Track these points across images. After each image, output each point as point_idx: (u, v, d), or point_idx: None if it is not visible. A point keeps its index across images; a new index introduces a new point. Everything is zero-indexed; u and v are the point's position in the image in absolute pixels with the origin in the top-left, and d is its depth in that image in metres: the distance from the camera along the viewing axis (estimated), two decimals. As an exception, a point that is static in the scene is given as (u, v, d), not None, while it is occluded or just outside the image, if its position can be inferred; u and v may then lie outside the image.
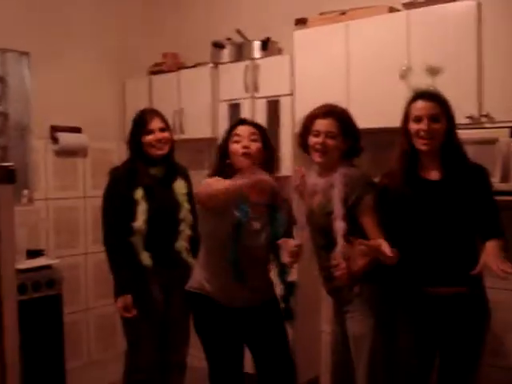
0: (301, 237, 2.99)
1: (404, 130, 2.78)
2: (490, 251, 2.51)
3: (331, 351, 3.13)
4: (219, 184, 2.73)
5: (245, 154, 2.83)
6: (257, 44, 4.52)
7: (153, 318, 3.34)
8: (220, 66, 4.67)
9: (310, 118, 2.93)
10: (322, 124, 2.87)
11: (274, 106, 4.32)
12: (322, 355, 3.93)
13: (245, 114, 4.32)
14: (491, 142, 3.21)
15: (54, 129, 4.76)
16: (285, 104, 4.26)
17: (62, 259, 4.54)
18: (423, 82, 2.80)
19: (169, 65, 5.06)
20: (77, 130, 4.92)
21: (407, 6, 3.69)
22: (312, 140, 2.89)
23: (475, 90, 3.33)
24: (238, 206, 2.80)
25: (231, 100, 4.56)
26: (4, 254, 2.14)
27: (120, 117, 5.21)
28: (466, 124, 3.25)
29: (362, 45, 3.78)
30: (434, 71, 2.82)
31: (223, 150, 2.94)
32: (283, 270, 3.00)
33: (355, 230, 2.70)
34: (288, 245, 2.76)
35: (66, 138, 4.80)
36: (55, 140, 4.76)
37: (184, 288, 3.03)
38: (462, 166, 2.72)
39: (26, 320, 3.71)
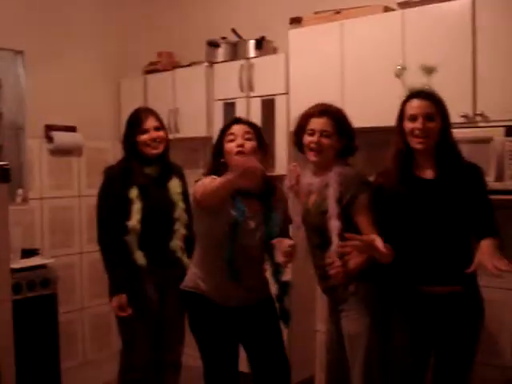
0: (296, 236, 3.00)
1: (399, 128, 2.78)
2: (485, 250, 2.52)
3: (326, 350, 3.13)
4: (213, 182, 2.73)
5: (239, 153, 2.82)
6: (252, 43, 4.52)
7: (148, 317, 3.34)
8: (215, 65, 4.66)
9: (305, 117, 2.93)
10: (316, 123, 2.87)
11: (268, 105, 4.32)
12: (317, 354, 3.94)
13: (240, 113, 4.32)
14: (486, 141, 3.22)
15: (49, 128, 4.76)
16: (280, 103, 4.26)
17: (56, 258, 4.54)
18: (418, 81, 2.80)
19: (164, 64, 5.06)
20: (72, 129, 4.91)
21: (402, 5, 3.69)
22: (307, 139, 2.89)
23: (470, 89, 3.33)
24: (235, 205, 2.80)
25: (226, 99, 4.55)
26: (-2, 254, 2.14)
27: (115, 116, 5.21)
28: (461, 123, 3.26)
29: (356, 44, 3.78)
30: (429, 70, 2.82)
31: (218, 149, 2.94)
32: (277, 270, 3.01)
33: (350, 229, 2.70)
34: (282, 245, 2.76)
35: (60, 137, 4.79)
36: (50, 139, 4.76)
37: (179, 287, 3.03)
38: (457, 165, 2.72)
39: (20, 319, 3.71)
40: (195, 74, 4.74)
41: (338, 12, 3.99)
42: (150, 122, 3.38)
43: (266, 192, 2.94)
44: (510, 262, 2.42)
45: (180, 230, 3.38)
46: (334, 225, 2.75)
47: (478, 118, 3.31)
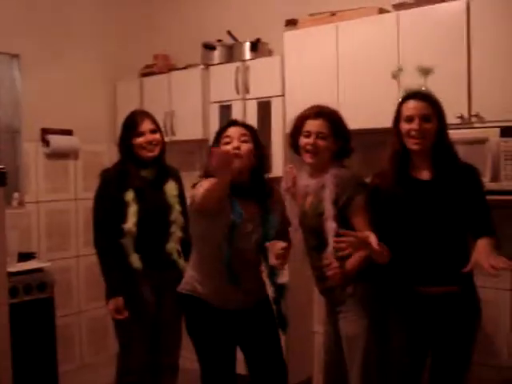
0: (294, 238, 3.00)
1: (395, 130, 2.78)
2: (482, 249, 2.52)
3: (324, 351, 3.13)
4: (207, 182, 2.72)
5: (235, 156, 2.82)
6: (247, 45, 4.52)
7: (144, 320, 3.34)
8: (211, 68, 4.67)
9: (301, 119, 2.93)
10: (312, 125, 2.87)
11: (264, 107, 4.33)
12: (315, 356, 3.93)
13: (236, 115, 4.32)
14: (481, 141, 3.23)
15: (45, 131, 4.76)
16: (276, 105, 4.27)
17: (53, 262, 4.53)
18: (414, 82, 2.81)
19: (159, 67, 5.06)
20: (68, 132, 4.91)
21: (397, 7, 3.71)
22: (303, 141, 2.89)
23: (465, 90, 3.34)
24: (232, 208, 2.80)
25: (222, 101, 4.56)
26: (-5, 257, 2.14)
27: (111, 119, 5.21)
28: (457, 124, 3.27)
29: (352, 46, 3.79)
30: (425, 71, 2.83)
31: (214, 152, 2.93)
32: (273, 272, 3.01)
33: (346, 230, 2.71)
34: (274, 247, 2.77)
35: (57, 141, 4.79)
36: (46, 143, 4.76)
37: (175, 290, 3.02)
38: (453, 166, 2.72)
39: (17, 323, 3.70)
40: (191, 77, 4.75)
41: (333, 14, 4.01)
42: (146, 125, 3.37)
43: (262, 194, 2.94)
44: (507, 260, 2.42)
45: (176, 232, 3.38)
46: (331, 226, 2.75)
47: (474, 119, 3.33)
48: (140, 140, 3.34)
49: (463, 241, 2.72)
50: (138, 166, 3.37)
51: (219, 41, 4.70)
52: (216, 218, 2.79)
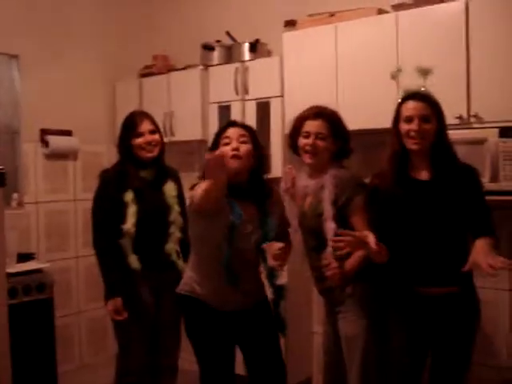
0: (294, 239, 3.00)
1: (395, 130, 2.78)
2: (480, 249, 2.52)
3: (323, 352, 3.13)
4: (205, 183, 2.71)
5: (234, 157, 2.82)
6: (246, 46, 4.53)
7: (143, 320, 3.34)
8: (210, 68, 4.67)
9: (300, 120, 2.93)
10: (312, 125, 2.88)
11: (263, 108, 4.33)
12: (314, 356, 3.94)
13: (235, 115, 4.33)
14: (480, 142, 3.23)
15: (44, 132, 4.76)
16: (275, 106, 4.27)
17: (52, 263, 4.54)
18: (413, 82, 2.81)
19: (159, 67, 5.06)
20: (67, 133, 4.91)
21: (396, 7, 3.71)
22: (302, 141, 2.89)
23: (464, 91, 3.34)
24: (232, 209, 2.80)
25: (221, 102, 4.56)
26: (-6, 258, 2.14)
27: (110, 120, 5.21)
28: (455, 124, 3.27)
29: (351, 46, 3.79)
30: (424, 72, 2.83)
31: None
32: (272, 274, 3.01)
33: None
34: (271, 248, 2.77)
35: (56, 141, 4.79)
36: (45, 143, 4.76)
37: (174, 291, 3.02)
38: (452, 167, 2.72)
39: (16, 324, 3.70)
40: (190, 78, 4.75)
41: (332, 15, 4.01)
42: (145, 126, 3.38)
43: (261, 195, 2.94)
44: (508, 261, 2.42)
45: (175, 233, 3.38)
46: (330, 227, 2.75)
47: (473, 120, 3.33)
48: (139, 141, 3.34)
49: (463, 241, 2.72)
50: (137, 167, 3.37)
51: (218, 41, 4.70)
52: (215, 218, 2.79)
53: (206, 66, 4.69)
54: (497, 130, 3.21)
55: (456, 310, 2.72)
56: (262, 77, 4.34)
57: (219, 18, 4.96)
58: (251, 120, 4.22)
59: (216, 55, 4.67)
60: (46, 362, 4.23)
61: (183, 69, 4.92)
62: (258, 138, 2.99)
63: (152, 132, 3.38)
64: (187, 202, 3.06)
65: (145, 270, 3.30)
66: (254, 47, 4.50)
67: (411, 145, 2.72)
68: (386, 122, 2.85)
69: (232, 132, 2.88)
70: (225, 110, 4.52)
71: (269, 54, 4.59)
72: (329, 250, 2.72)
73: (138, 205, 3.28)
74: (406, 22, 3.56)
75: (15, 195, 4.57)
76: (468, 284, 2.75)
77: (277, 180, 3.19)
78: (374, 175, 2.92)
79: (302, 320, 4.05)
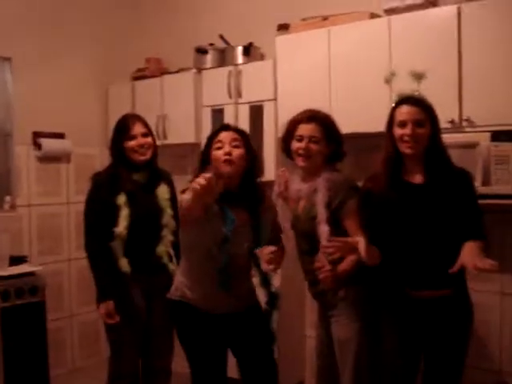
0: (287, 246, 3.00)
1: (389, 134, 2.79)
2: (468, 251, 2.53)
3: (316, 355, 3.13)
4: (186, 195, 2.70)
5: (227, 161, 2.80)
6: (240, 49, 4.53)
7: (135, 324, 3.33)
8: (203, 72, 4.67)
9: (294, 123, 2.94)
10: (305, 129, 2.88)
11: (257, 112, 4.33)
12: (307, 360, 3.94)
13: (228, 119, 4.33)
14: (472, 146, 3.24)
15: (37, 135, 4.74)
16: (268, 109, 4.27)
17: (45, 266, 4.53)
18: (406, 87, 2.82)
19: (152, 70, 5.06)
20: (60, 135, 4.90)
21: (388, 12, 3.72)
22: (295, 145, 2.90)
23: (456, 95, 3.35)
24: (224, 215, 2.79)
25: (214, 105, 4.56)
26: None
27: (103, 122, 5.21)
28: (448, 128, 3.28)
29: (344, 50, 3.80)
30: (418, 76, 2.84)
31: (205, 156, 2.90)
32: (265, 279, 3.01)
33: (339, 234, 2.71)
34: (263, 252, 2.76)
35: (49, 144, 4.78)
36: (38, 146, 4.74)
37: (165, 294, 3.01)
38: (446, 170, 2.73)
39: (9, 327, 3.70)
40: (183, 81, 4.75)
41: (325, 18, 4.01)
42: (138, 128, 3.37)
43: (253, 199, 2.93)
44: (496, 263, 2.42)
45: (167, 236, 3.37)
46: (323, 230, 2.76)
47: (465, 124, 3.34)
48: (132, 143, 3.34)
49: (455, 245, 2.71)
50: (130, 170, 3.37)
51: (211, 45, 4.70)
52: (206, 225, 2.77)
53: (199, 70, 4.69)
54: (489, 134, 3.22)
55: (449, 314, 2.73)
56: (255, 80, 4.35)
57: (212, 22, 4.96)
58: (244, 123, 4.22)
59: (209, 58, 4.67)
60: (38, 365, 4.22)
61: (176, 72, 4.92)
62: (250, 141, 2.97)
63: (144, 135, 3.38)
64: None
65: (135, 273, 3.29)
66: (248, 51, 4.51)
67: (405, 149, 2.73)
68: (380, 126, 2.86)
69: (224, 136, 2.87)
70: (218, 113, 4.52)
71: (262, 57, 4.59)
72: (322, 253, 2.73)
73: (131, 208, 3.28)
74: (398, 27, 3.57)
75: (8, 198, 4.56)
76: (461, 287, 2.76)
77: (270, 183, 3.19)
78: (367, 178, 2.92)
79: (295, 324, 4.05)
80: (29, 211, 4.74)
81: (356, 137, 3.59)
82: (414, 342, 2.81)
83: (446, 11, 3.41)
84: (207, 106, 4.61)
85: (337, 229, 2.75)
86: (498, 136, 3.20)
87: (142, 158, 3.36)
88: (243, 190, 2.90)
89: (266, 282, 3.03)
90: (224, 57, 4.62)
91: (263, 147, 4.23)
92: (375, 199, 2.79)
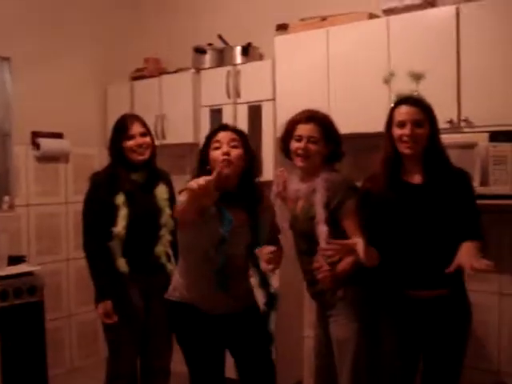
0: (285, 243, 3.00)
1: (388, 134, 2.79)
2: (465, 251, 2.53)
3: (314, 355, 3.13)
4: (182, 198, 2.70)
5: (225, 161, 2.79)
6: (238, 49, 4.53)
7: (133, 324, 3.33)
8: (202, 72, 4.67)
9: (292, 123, 2.94)
10: (304, 129, 2.88)
11: (255, 112, 4.33)
12: (305, 360, 3.94)
13: (226, 119, 4.33)
14: (470, 146, 3.24)
15: (36, 134, 4.74)
16: (266, 109, 4.27)
17: (43, 266, 4.53)
18: (405, 87, 2.82)
19: (150, 70, 5.06)
20: (58, 135, 4.90)
21: (387, 12, 3.72)
22: (294, 145, 2.90)
23: (455, 95, 3.36)
24: (222, 216, 2.79)
25: (213, 105, 4.56)
26: (-15, 261, 2.14)
27: (102, 122, 5.21)
28: (446, 129, 3.28)
29: (342, 50, 3.80)
30: (417, 77, 2.84)
31: (204, 157, 2.88)
32: (264, 280, 3.01)
33: (337, 234, 2.72)
34: (263, 252, 2.76)
35: (47, 144, 4.78)
36: (37, 146, 4.74)
37: (164, 294, 3.00)
38: (445, 171, 2.73)
39: (7, 327, 3.70)
40: (182, 81, 4.75)
41: (323, 19, 4.02)
42: (136, 128, 3.37)
43: (252, 199, 2.92)
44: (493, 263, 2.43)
45: (166, 235, 3.37)
46: (322, 230, 2.76)
47: (463, 124, 3.34)
48: (130, 143, 3.34)
49: (454, 245, 2.72)
50: (129, 170, 3.37)
51: (210, 45, 4.70)
52: (203, 226, 2.76)
53: (198, 70, 4.69)
54: (487, 135, 3.22)
55: (447, 314, 2.73)
56: (253, 80, 4.35)
57: (211, 22, 4.96)
58: (243, 123, 4.22)
59: (208, 58, 4.67)
60: (37, 364, 4.21)
61: (175, 72, 4.92)
62: (249, 141, 2.96)
63: (143, 135, 3.38)
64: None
65: (134, 273, 3.29)
66: (246, 51, 4.51)
67: (404, 149, 2.73)
68: (378, 126, 2.86)
69: (223, 136, 2.85)
70: (216, 113, 4.52)
71: (261, 57, 4.60)
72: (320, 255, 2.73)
73: (129, 208, 3.28)
74: (397, 27, 3.57)
75: (6, 198, 4.56)
76: (459, 287, 2.77)
77: (268, 183, 3.19)
78: (366, 179, 2.92)
79: (293, 324, 4.05)
80: (27, 211, 4.74)
81: (355, 137, 3.59)
82: (413, 342, 2.81)
83: (445, 12, 3.41)
84: (206, 106, 4.61)
85: (335, 229, 2.75)
86: (496, 136, 3.21)
87: (141, 157, 3.36)
88: (241, 190, 2.88)
89: (264, 282, 3.02)
90: (222, 57, 4.62)
91: (262, 147, 4.23)
92: (374, 199, 2.79)
